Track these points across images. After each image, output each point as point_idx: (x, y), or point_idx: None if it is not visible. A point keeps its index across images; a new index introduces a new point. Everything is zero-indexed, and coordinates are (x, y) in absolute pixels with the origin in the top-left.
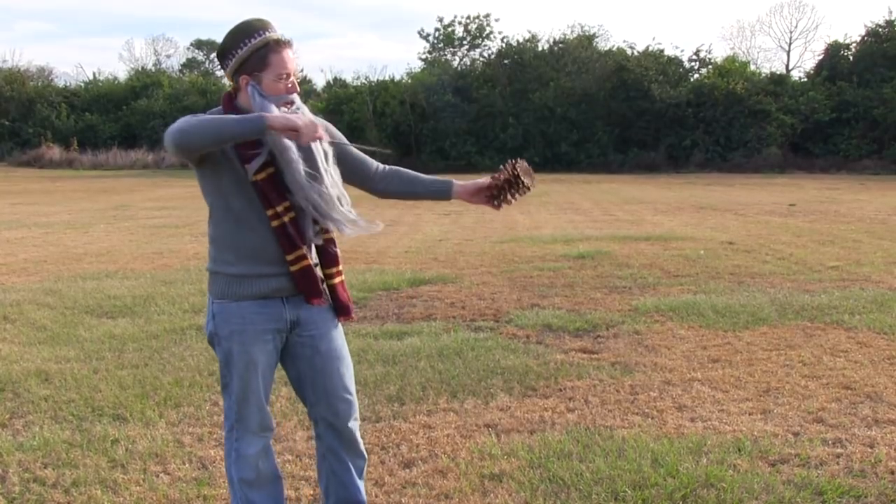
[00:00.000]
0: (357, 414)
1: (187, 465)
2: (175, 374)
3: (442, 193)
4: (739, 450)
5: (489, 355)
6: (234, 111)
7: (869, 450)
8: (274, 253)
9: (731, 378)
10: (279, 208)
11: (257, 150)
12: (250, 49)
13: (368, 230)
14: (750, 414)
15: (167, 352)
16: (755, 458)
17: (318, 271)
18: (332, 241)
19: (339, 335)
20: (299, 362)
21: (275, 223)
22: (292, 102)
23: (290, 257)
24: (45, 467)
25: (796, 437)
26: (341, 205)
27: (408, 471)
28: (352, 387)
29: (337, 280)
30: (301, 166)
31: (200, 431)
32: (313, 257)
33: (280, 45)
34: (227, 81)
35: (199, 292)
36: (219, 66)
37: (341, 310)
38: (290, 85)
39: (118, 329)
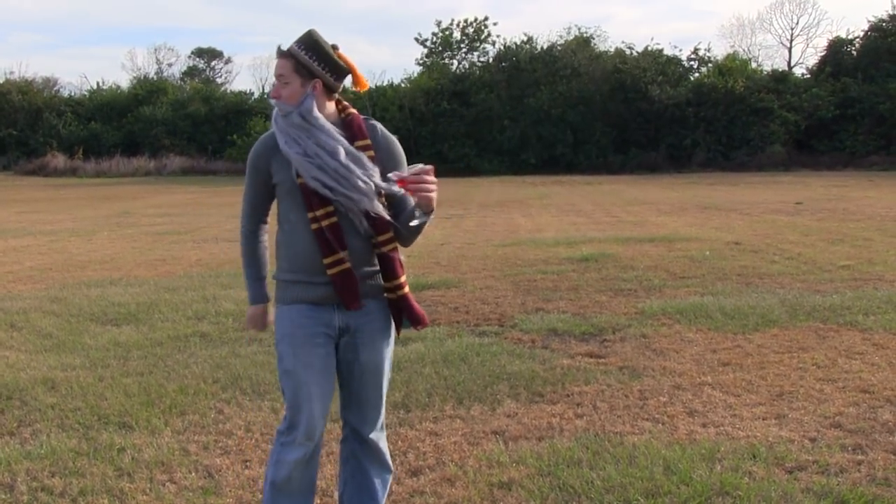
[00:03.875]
0: (383, 424)
1: (193, 473)
2: (180, 382)
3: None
4: (754, 456)
5: (495, 361)
6: None
7: (892, 456)
8: (319, 264)
9: (743, 382)
10: (319, 212)
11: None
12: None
13: (390, 190)
14: (764, 419)
15: (171, 359)
16: (771, 465)
17: (375, 279)
18: (392, 252)
19: (385, 348)
20: (342, 366)
21: (314, 226)
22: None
23: (327, 261)
24: (52, 476)
25: (813, 443)
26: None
27: (415, 479)
28: (382, 401)
29: (401, 292)
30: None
31: (206, 440)
32: (366, 266)
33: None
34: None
35: (202, 299)
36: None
37: (414, 320)
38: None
39: (123, 336)
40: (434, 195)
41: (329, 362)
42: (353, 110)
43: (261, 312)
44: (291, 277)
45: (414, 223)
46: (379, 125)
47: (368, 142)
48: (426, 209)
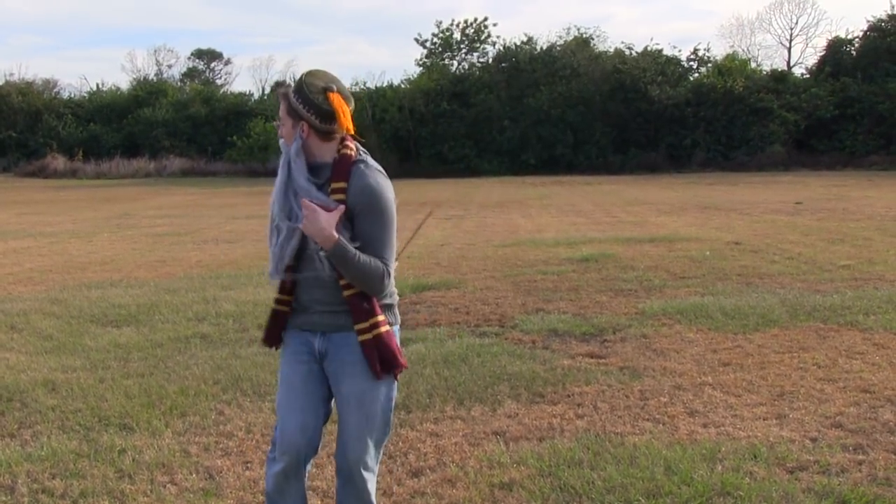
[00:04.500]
0: (369, 465)
1: (194, 475)
2: (180, 384)
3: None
4: (755, 456)
5: (495, 361)
6: None
7: (893, 456)
8: (304, 295)
9: (744, 382)
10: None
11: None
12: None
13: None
14: (764, 419)
15: (172, 360)
16: (772, 465)
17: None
18: (352, 296)
19: (367, 381)
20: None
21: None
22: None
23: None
24: (53, 478)
25: (814, 443)
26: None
27: (416, 480)
28: (366, 437)
29: (368, 335)
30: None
31: (207, 441)
32: (329, 305)
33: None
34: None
35: (202, 300)
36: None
37: (385, 364)
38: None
39: (123, 338)
40: (311, 227)
41: (310, 379)
42: (348, 152)
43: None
44: (285, 301)
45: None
46: (368, 170)
47: (343, 185)
48: (320, 242)
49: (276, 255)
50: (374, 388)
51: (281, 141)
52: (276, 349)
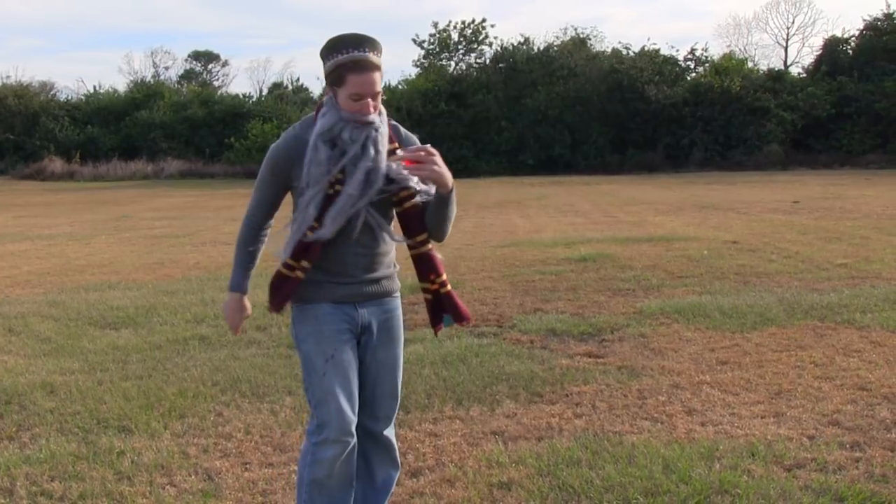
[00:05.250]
0: (393, 420)
1: (193, 476)
2: (179, 385)
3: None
4: (753, 454)
5: (493, 361)
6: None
7: (890, 454)
8: (343, 265)
9: (741, 380)
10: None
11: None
12: (333, 64)
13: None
14: (762, 417)
15: (170, 362)
16: (770, 463)
17: (389, 281)
18: (422, 253)
19: (401, 345)
20: (360, 365)
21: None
22: (370, 122)
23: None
24: (51, 480)
25: (812, 441)
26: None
27: (415, 480)
28: (397, 395)
29: (442, 290)
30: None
31: (206, 442)
32: (373, 271)
33: (359, 65)
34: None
35: (200, 302)
36: (217, 78)
37: (458, 316)
38: (364, 105)
39: (121, 340)
40: (437, 171)
41: (354, 357)
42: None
43: (239, 301)
44: (314, 277)
45: (416, 200)
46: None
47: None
48: (441, 189)
49: (336, 215)
50: (401, 350)
51: (369, 116)
52: (279, 314)
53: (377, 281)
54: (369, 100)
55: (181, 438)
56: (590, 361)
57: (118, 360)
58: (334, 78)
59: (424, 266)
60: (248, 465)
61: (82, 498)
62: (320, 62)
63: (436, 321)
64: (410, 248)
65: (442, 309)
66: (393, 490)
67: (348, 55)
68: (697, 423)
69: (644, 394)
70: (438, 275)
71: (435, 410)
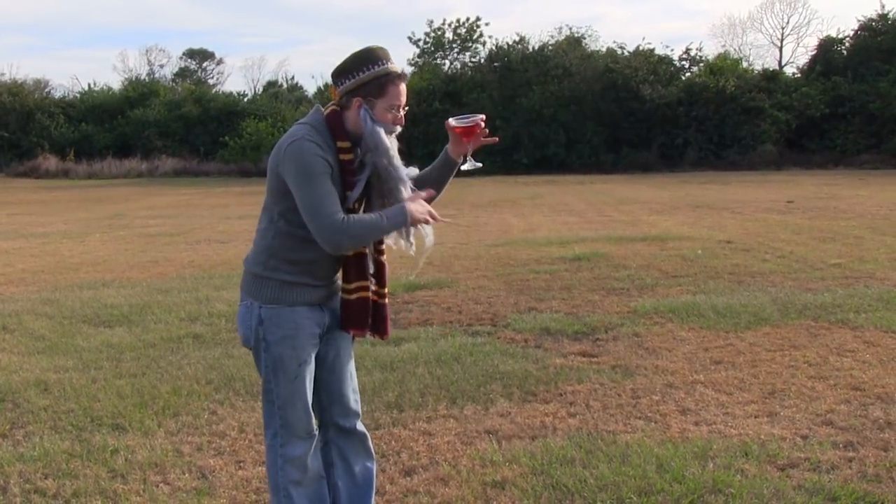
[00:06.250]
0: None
1: (187, 474)
2: (173, 383)
3: (444, 162)
4: (746, 454)
5: (488, 360)
6: (342, 128)
7: (883, 453)
8: (328, 270)
9: (735, 380)
10: None
11: (358, 177)
12: (371, 75)
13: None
14: (756, 417)
15: (164, 360)
16: (763, 463)
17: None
18: (385, 260)
19: (349, 339)
20: (320, 365)
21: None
22: (395, 132)
23: (351, 286)
24: (45, 478)
25: (805, 441)
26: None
27: (409, 479)
28: (356, 388)
29: (387, 299)
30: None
31: (199, 440)
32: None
33: (399, 77)
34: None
35: (194, 300)
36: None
37: (383, 330)
38: (398, 116)
39: (115, 338)
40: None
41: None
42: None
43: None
44: (292, 279)
45: (466, 167)
46: None
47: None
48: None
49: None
50: (350, 339)
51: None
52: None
53: (335, 281)
54: (402, 111)
55: (175, 436)
56: (584, 360)
57: (112, 358)
58: (373, 88)
59: (381, 275)
60: (241, 464)
61: (76, 496)
62: (336, 73)
63: (360, 325)
64: (377, 253)
65: (377, 316)
66: (386, 490)
67: (387, 66)
68: (691, 422)
69: (638, 393)
70: (386, 285)
71: (429, 409)
